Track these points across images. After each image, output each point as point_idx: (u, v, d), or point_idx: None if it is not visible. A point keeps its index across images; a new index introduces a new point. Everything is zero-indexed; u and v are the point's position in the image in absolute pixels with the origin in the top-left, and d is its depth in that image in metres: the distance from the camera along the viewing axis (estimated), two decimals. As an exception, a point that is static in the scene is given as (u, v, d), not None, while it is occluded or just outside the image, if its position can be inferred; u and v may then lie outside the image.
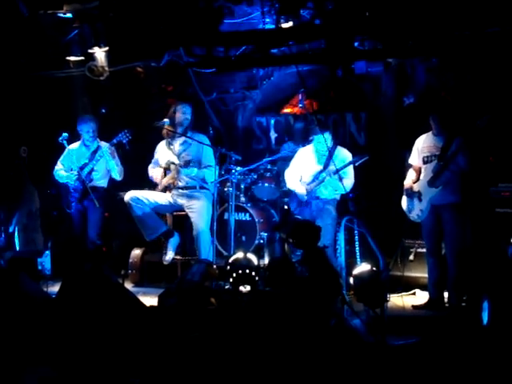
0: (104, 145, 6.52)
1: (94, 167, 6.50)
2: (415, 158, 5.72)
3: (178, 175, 6.30)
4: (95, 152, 6.52)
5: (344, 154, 6.25)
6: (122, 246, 7.29)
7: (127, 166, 6.68)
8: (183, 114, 6.35)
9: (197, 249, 6.18)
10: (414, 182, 5.67)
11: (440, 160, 5.44)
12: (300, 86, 7.23)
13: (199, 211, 6.21)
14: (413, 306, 5.61)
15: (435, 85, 6.78)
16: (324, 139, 5.99)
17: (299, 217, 6.08)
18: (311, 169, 6.29)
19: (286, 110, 7.96)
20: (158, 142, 6.62)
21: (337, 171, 5.86)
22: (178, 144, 6.44)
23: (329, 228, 5.93)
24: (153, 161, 6.58)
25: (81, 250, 6.49)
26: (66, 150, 6.58)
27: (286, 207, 6.65)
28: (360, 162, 6.07)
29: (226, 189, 6.78)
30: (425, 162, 5.60)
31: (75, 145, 6.69)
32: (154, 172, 6.45)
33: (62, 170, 6.61)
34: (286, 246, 5.88)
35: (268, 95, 7.94)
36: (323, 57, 6.27)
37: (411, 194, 5.62)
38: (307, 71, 7.36)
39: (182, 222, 6.63)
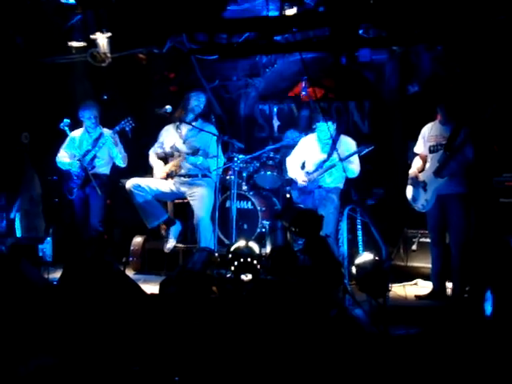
0: (107, 132, 6.48)
1: (96, 154, 6.47)
2: (421, 147, 5.66)
3: (182, 163, 6.26)
4: (98, 139, 6.49)
5: (348, 143, 6.22)
6: (123, 234, 7.32)
7: (128, 153, 6.64)
8: (197, 100, 6.35)
9: (197, 237, 6.17)
10: (420, 171, 5.62)
11: (446, 150, 5.37)
12: (302, 74, 7.17)
13: (200, 199, 6.20)
14: (416, 296, 5.58)
15: (440, 73, 6.71)
16: (327, 127, 5.97)
17: (301, 205, 6.06)
18: (315, 157, 6.27)
19: (289, 98, 7.90)
20: (160, 129, 6.60)
21: (342, 161, 5.83)
22: (186, 129, 6.40)
23: (331, 217, 5.90)
24: (156, 144, 6.54)
25: (82, 237, 6.49)
26: (69, 137, 6.56)
27: (288, 196, 6.68)
28: (365, 151, 6.02)
29: (228, 177, 6.76)
30: (431, 152, 5.53)
31: (78, 132, 6.66)
32: (155, 165, 6.43)
33: (65, 158, 6.59)
34: (288, 234, 5.89)
35: (271, 83, 7.89)
36: (327, 44, 6.21)
37: (416, 183, 5.57)
38: (311, 59, 7.31)
39: (183, 210, 6.63)
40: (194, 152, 6.16)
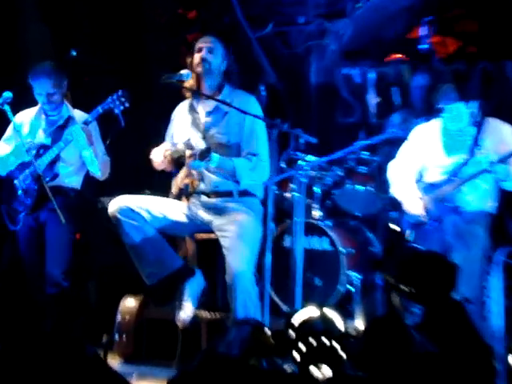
0: (79, 116, 6.59)
1: (59, 154, 6.56)
2: None
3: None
4: (63, 127, 6.61)
5: (504, 132, 6.26)
6: (103, 292, 7.39)
7: (115, 154, 6.74)
8: (214, 56, 6.28)
9: (232, 301, 6.11)
10: None
11: None
12: (422, 11, 7.11)
13: (237, 237, 6.13)
14: None
15: None
16: (465, 109, 6.09)
17: (419, 246, 6.13)
18: (441, 161, 6.36)
19: (397, 55, 7.96)
20: (169, 111, 6.64)
21: (498, 163, 5.92)
22: (204, 112, 6.40)
23: (475, 266, 5.94)
24: (167, 138, 6.57)
25: (33, 296, 6.56)
26: (12, 122, 6.64)
27: (394, 228, 6.72)
28: None
29: (287, 194, 6.88)
30: None
31: (29, 113, 6.82)
32: (155, 154, 6.38)
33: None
34: (394, 297, 5.80)
35: (364, 29, 7.94)
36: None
37: None
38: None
39: (210, 252, 6.60)
40: (202, 155, 5.96)
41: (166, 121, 6.64)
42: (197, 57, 6.26)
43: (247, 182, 6.19)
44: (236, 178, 6.18)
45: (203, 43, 6.30)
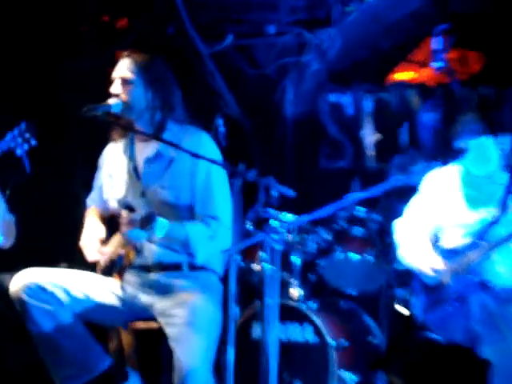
0: None
1: None
2: None
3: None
4: None
5: None
6: None
7: (19, 212, 6.73)
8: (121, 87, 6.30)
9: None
10: None
11: None
12: (434, 17, 7.15)
13: (188, 324, 6.09)
14: None
15: None
16: (493, 146, 6.20)
17: (435, 334, 6.11)
18: (462, 218, 6.40)
19: (402, 76, 7.95)
20: (94, 153, 6.61)
21: None
22: (143, 158, 6.36)
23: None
24: (93, 191, 6.60)
25: None
26: None
27: (402, 311, 6.81)
28: None
29: (256, 266, 6.92)
30: None
31: None
32: (88, 250, 6.35)
33: None
34: None
35: (357, 41, 7.98)
36: None
37: None
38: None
39: (151, 347, 6.57)
40: (146, 219, 5.97)
41: (89, 166, 6.63)
42: (111, 90, 6.25)
43: (205, 256, 6.16)
44: (190, 250, 6.15)
45: (117, 71, 6.28)
